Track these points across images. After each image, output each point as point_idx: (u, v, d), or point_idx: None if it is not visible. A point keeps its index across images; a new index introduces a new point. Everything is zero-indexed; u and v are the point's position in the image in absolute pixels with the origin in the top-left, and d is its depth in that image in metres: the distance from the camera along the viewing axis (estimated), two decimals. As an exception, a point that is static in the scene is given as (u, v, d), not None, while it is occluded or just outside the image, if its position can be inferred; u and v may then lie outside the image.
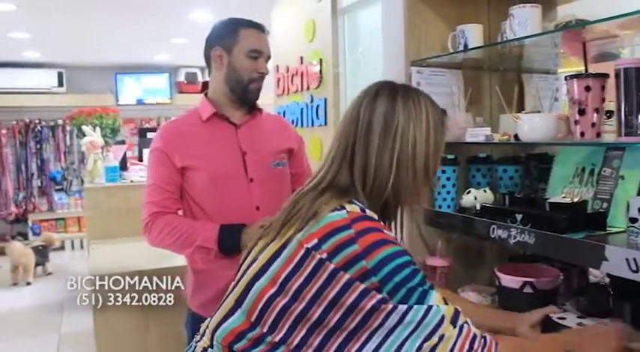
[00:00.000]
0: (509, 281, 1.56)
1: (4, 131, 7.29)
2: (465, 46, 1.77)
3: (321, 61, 2.98)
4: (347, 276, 1.00)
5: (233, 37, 1.74)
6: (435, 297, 1.01)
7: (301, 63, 3.19)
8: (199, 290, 1.76)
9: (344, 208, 1.05)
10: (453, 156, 1.82)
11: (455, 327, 0.99)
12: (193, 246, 1.65)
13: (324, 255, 1.02)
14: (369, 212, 1.07)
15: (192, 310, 1.81)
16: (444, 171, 1.81)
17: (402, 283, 0.99)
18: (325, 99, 2.93)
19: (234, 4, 4.22)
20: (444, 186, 1.82)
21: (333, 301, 1.01)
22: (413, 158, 1.10)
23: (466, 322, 1.02)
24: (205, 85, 7.28)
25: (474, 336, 1.00)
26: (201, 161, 1.71)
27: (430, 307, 0.99)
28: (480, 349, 0.99)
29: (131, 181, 3.78)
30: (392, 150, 1.10)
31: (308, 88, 3.12)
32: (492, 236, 1.54)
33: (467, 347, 0.98)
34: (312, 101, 3.05)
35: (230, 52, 1.74)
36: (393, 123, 1.10)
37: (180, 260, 2.51)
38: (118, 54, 6.61)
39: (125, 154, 4.23)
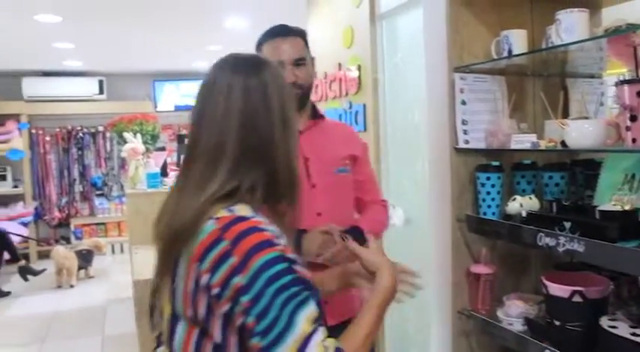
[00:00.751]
0: (558, 290, 1.53)
1: (47, 138, 7.51)
2: (510, 51, 1.75)
3: (359, 67, 2.98)
4: (225, 309, 0.91)
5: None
6: (305, 317, 0.90)
7: (339, 69, 3.20)
8: None
9: (212, 217, 0.95)
10: (497, 163, 1.81)
11: None
12: None
13: (205, 278, 0.92)
14: (240, 210, 0.96)
15: None
16: (488, 178, 1.80)
17: (274, 299, 0.89)
18: (364, 105, 2.93)
19: (268, 11, 4.27)
20: (488, 193, 1.81)
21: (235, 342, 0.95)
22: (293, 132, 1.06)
23: None
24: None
25: None
26: None
27: None
28: None
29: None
30: (292, 136, 1.05)
31: (346, 94, 3.12)
32: (540, 244, 1.52)
33: None
34: (350, 107, 3.05)
35: None
36: (286, 108, 1.05)
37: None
38: (156, 61, 6.74)
39: (165, 161, 4.30)
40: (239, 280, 0.89)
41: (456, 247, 1.90)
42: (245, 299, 0.89)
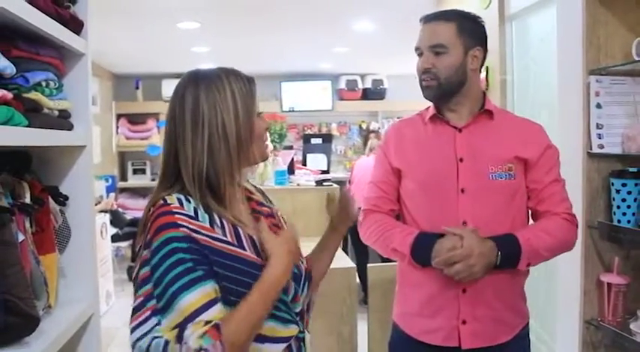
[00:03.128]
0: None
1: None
2: (653, 53, 1.67)
3: (487, 68, 2.94)
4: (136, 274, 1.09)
5: None
6: (194, 295, 1.01)
7: (465, 70, 3.17)
8: (397, 299, 1.71)
9: (153, 205, 1.12)
10: (635, 170, 1.74)
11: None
12: (389, 248, 1.56)
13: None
14: (170, 199, 1.11)
15: (393, 319, 1.73)
16: (624, 185, 1.73)
17: (167, 271, 1.03)
18: (491, 107, 2.89)
19: (396, 13, 4.30)
20: (623, 200, 1.74)
21: None
22: (225, 138, 1.14)
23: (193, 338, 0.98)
24: (365, 91, 7.49)
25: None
26: (411, 164, 1.61)
27: (151, 343, 1.00)
28: None
29: (298, 185, 3.99)
30: (202, 139, 1.13)
31: (472, 96, 3.09)
32: (681, 255, 1.45)
33: None
34: (476, 109, 3.02)
35: None
36: (199, 116, 1.14)
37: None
38: (284, 63, 6.99)
39: (292, 159, 4.47)
40: (146, 253, 1.07)
41: (586, 254, 1.84)
42: (146, 269, 1.06)
